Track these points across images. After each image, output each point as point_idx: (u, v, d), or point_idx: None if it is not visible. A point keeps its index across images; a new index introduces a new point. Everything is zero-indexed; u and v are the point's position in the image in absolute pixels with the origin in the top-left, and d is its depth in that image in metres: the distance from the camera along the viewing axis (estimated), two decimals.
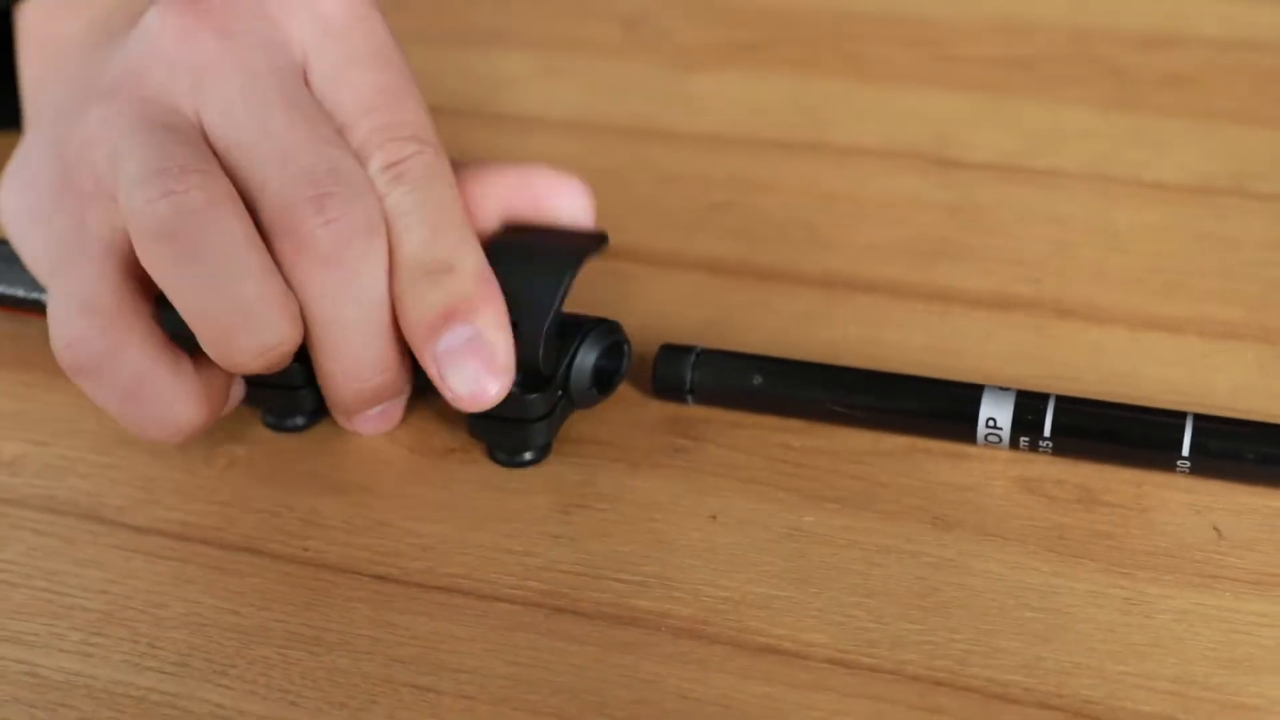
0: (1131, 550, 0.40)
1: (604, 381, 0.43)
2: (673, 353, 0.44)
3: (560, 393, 0.42)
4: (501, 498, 0.42)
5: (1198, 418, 0.40)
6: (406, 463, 0.44)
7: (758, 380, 0.43)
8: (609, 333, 0.43)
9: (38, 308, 0.47)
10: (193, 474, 0.44)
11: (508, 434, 0.42)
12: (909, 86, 0.57)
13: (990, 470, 0.42)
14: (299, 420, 0.45)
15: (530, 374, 0.41)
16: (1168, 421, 0.41)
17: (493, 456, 0.43)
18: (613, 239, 0.51)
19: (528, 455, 0.43)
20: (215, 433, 0.45)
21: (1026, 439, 0.41)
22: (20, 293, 0.47)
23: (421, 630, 0.39)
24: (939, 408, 0.42)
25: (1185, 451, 0.40)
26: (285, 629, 0.39)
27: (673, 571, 0.40)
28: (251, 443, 0.45)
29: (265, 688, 0.38)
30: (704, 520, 0.41)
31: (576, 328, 0.43)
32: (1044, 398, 0.41)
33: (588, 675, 0.38)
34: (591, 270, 0.50)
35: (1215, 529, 0.40)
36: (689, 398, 0.44)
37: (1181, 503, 0.41)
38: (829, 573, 0.40)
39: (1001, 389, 0.42)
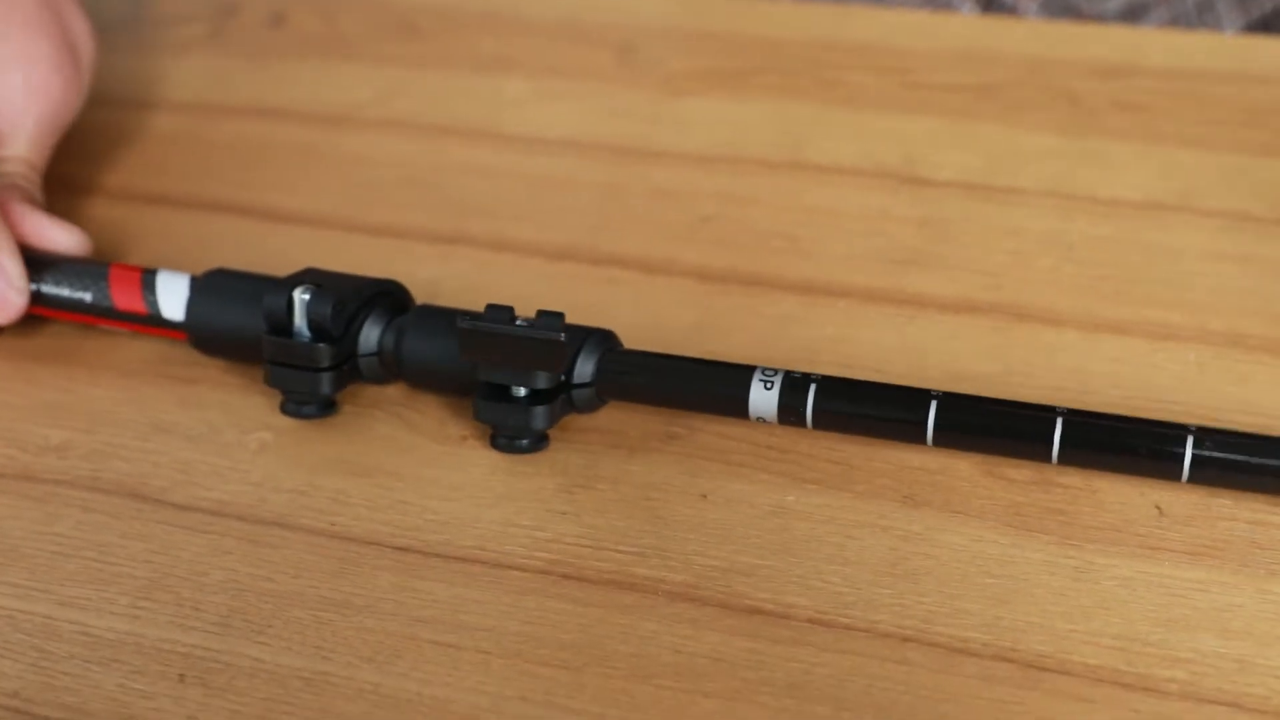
0: (1081, 526, 0.44)
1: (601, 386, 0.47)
2: None
3: (561, 393, 0.46)
4: (511, 480, 0.46)
5: (944, 395, 0.44)
6: (424, 449, 0.48)
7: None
8: (603, 341, 0.47)
9: (81, 308, 0.51)
10: (227, 458, 0.48)
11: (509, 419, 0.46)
12: (881, 111, 0.61)
13: (955, 455, 0.46)
14: (312, 409, 0.48)
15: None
16: (914, 399, 0.45)
17: (494, 443, 0.47)
18: (609, 249, 0.56)
19: (524, 442, 0.47)
20: (246, 420, 0.49)
21: (792, 419, 0.45)
22: (66, 292, 0.51)
23: (441, 595, 0.43)
24: (712, 392, 0.46)
25: (930, 428, 0.44)
26: (317, 594, 0.43)
27: (668, 543, 0.44)
28: (280, 430, 0.49)
29: (301, 644, 0.42)
30: (696, 499, 0.45)
31: (576, 337, 0.46)
32: (806, 381, 0.45)
33: (592, 633, 0.42)
34: (589, 277, 0.54)
35: (1157, 507, 0.44)
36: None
37: (1127, 485, 0.45)
38: (809, 544, 0.44)
39: (769, 372, 0.45)
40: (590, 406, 0.47)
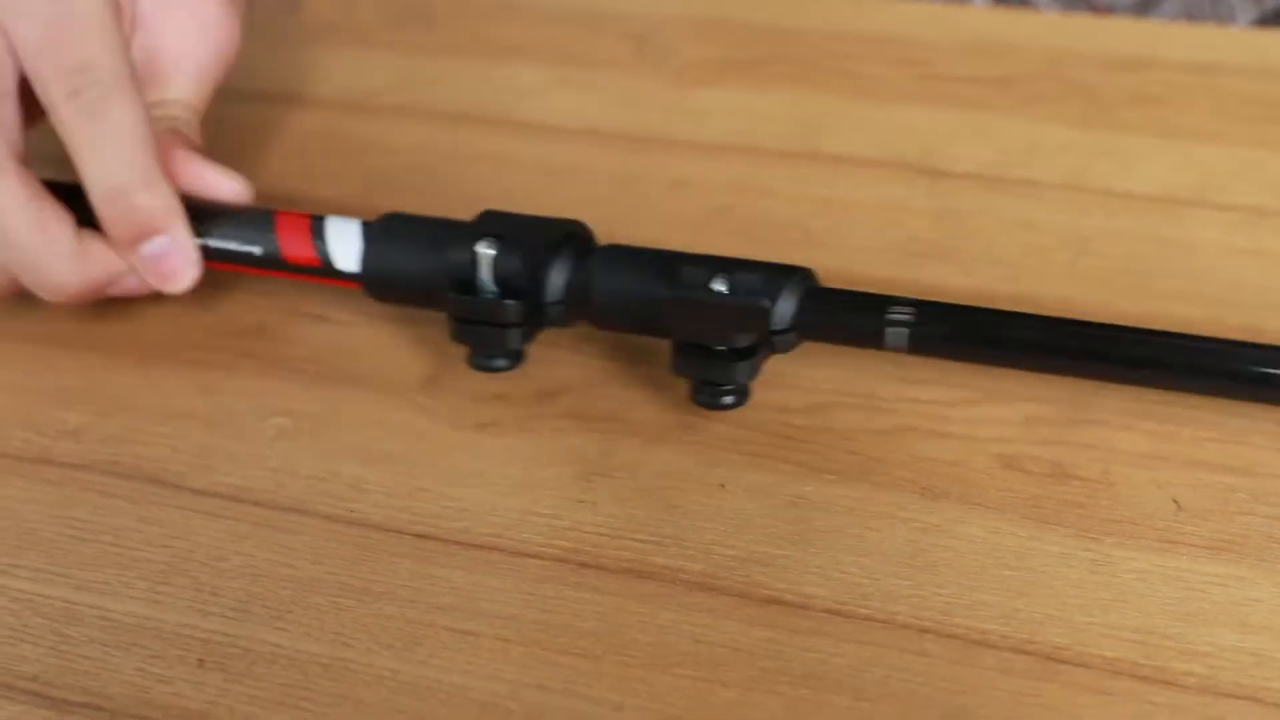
0: (1099, 519, 0.44)
1: (802, 327, 0.46)
2: None
3: (764, 344, 0.45)
4: (530, 468, 0.47)
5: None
6: (442, 436, 0.48)
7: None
8: (804, 280, 0.46)
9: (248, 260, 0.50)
10: (245, 443, 0.48)
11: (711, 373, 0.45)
12: (897, 102, 0.61)
13: (973, 448, 0.46)
14: (502, 361, 0.48)
15: None
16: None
17: (695, 399, 0.46)
18: (625, 238, 0.55)
19: (729, 399, 0.46)
20: (264, 406, 0.49)
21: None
22: (233, 246, 0.50)
23: (460, 582, 0.43)
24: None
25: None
26: (336, 580, 0.43)
27: (686, 533, 0.44)
28: (298, 416, 0.49)
29: (319, 630, 0.42)
30: (714, 488, 0.45)
31: (778, 276, 0.45)
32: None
33: (610, 622, 0.42)
34: None
35: (1174, 501, 0.44)
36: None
37: (1145, 478, 0.45)
38: (827, 535, 0.44)
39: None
40: (790, 348, 0.46)
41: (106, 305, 0.53)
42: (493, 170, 0.59)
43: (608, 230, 0.56)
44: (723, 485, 0.45)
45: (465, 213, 0.57)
